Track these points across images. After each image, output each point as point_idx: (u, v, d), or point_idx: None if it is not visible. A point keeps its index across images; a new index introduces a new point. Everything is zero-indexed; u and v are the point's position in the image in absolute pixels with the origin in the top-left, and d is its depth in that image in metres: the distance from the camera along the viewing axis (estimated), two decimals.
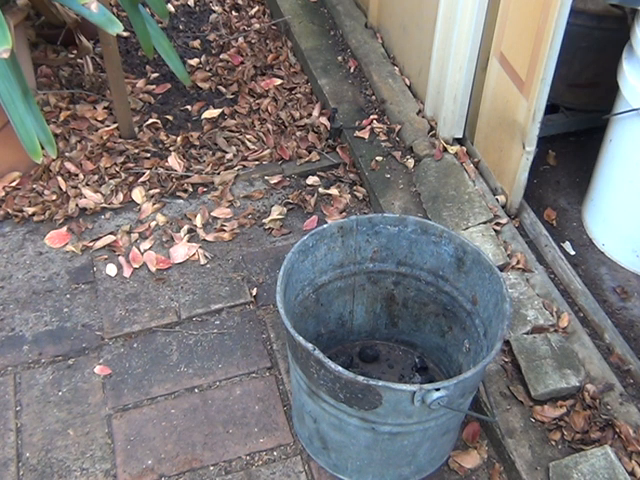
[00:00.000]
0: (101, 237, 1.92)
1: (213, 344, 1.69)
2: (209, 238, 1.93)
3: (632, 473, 1.38)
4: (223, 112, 2.30)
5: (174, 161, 2.11)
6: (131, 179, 2.06)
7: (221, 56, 2.52)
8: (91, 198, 2.00)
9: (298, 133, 2.22)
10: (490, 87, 1.87)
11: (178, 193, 2.04)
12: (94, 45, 2.43)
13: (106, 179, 2.05)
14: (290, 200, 2.03)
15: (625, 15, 1.78)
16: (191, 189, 2.06)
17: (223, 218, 1.98)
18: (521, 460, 1.41)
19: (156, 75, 2.44)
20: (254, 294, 1.79)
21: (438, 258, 1.47)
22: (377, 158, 2.06)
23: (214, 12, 2.73)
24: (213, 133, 2.22)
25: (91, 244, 1.90)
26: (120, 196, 2.02)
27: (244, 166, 2.13)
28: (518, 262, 1.73)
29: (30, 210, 1.97)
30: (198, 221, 1.96)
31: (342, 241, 1.45)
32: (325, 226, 1.41)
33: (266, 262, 1.88)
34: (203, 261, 1.87)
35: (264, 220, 1.98)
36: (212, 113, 2.28)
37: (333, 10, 2.59)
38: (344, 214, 2.00)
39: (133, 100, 2.30)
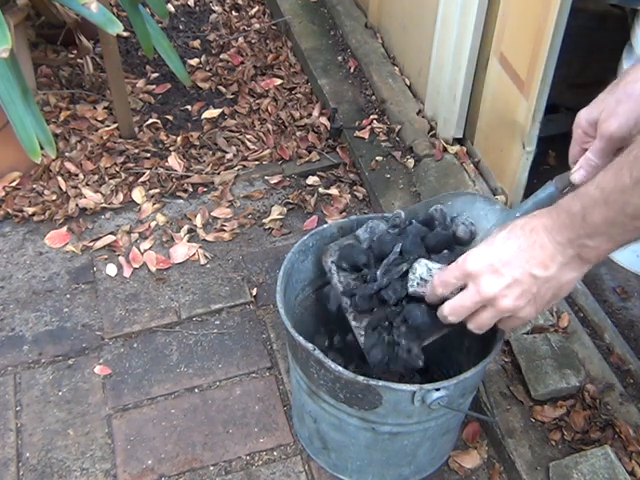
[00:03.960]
0: (101, 237, 1.92)
1: (213, 344, 1.69)
2: (209, 238, 1.93)
3: (632, 473, 1.38)
4: (223, 112, 2.30)
5: (174, 161, 2.11)
6: (131, 179, 2.06)
7: (221, 56, 2.52)
8: (91, 198, 2.00)
9: (298, 133, 2.22)
10: (490, 87, 1.87)
11: (178, 193, 2.04)
12: (94, 45, 2.43)
13: (106, 179, 2.05)
14: (290, 200, 2.03)
15: (625, 15, 1.78)
16: (191, 189, 2.06)
17: (223, 218, 1.98)
18: (521, 460, 1.41)
19: (156, 75, 2.44)
20: (254, 294, 1.79)
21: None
22: (377, 158, 2.06)
23: (214, 12, 2.73)
24: (213, 133, 2.22)
25: (91, 244, 1.90)
26: (120, 196, 2.02)
27: (244, 166, 2.13)
28: None
29: (30, 210, 1.97)
30: (198, 221, 1.96)
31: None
32: (325, 226, 1.41)
33: (266, 262, 1.88)
34: (203, 261, 1.87)
35: (264, 220, 1.98)
36: (212, 113, 2.28)
37: (333, 10, 2.60)
38: (344, 214, 2.00)
39: (133, 100, 2.30)
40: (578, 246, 0.90)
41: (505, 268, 0.95)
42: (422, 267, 1.13)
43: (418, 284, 1.12)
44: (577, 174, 1.03)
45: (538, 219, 0.94)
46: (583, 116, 1.05)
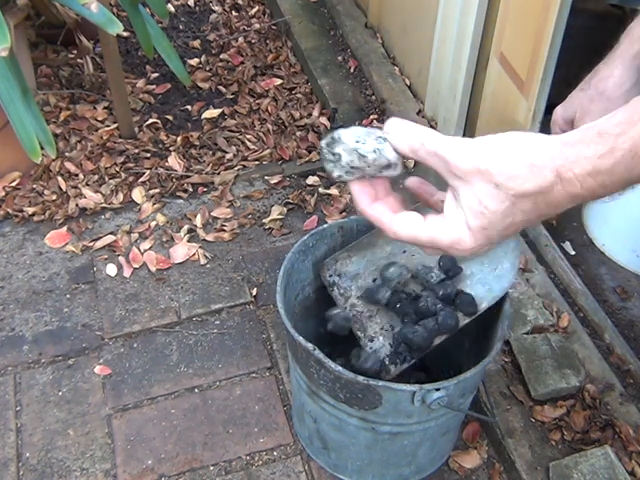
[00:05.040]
0: (101, 237, 1.92)
1: (213, 344, 1.69)
2: (209, 238, 1.93)
3: (632, 473, 1.38)
4: (223, 112, 2.30)
5: (174, 161, 2.11)
6: (131, 179, 2.06)
7: (221, 56, 2.52)
8: (91, 198, 2.00)
9: (298, 133, 2.22)
10: (490, 87, 1.87)
11: (178, 193, 2.04)
12: (94, 45, 2.43)
13: (106, 179, 2.05)
14: (290, 200, 2.03)
15: (625, 15, 1.78)
16: (191, 189, 2.06)
17: (223, 218, 1.98)
18: (521, 460, 1.41)
19: (156, 75, 2.44)
20: (254, 294, 1.79)
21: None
22: None
23: (214, 12, 2.73)
24: (213, 133, 2.22)
25: (91, 244, 1.90)
26: (120, 196, 2.02)
27: (244, 166, 2.13)
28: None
29: (30, 210, 1.97)
30: (198, 221, 1.96)
31: (342, 241, 1.45)
32: (325, 226, 1.41)
33: (266, 262, 1.88)
34: (203, 261, 1.87)
35: (264, 220, 1.98)
36: (212, 113, 2.28)
37: (333, 10, 2.60)
38: (344, 214, 2.00)
39: (133, 100, 2.30)
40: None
41: (513, 227, 0.70)
42: (347, 154, 0.76)
43: (347, 172, 0.78)
44: None
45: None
46: (559, 113, 1.05)
